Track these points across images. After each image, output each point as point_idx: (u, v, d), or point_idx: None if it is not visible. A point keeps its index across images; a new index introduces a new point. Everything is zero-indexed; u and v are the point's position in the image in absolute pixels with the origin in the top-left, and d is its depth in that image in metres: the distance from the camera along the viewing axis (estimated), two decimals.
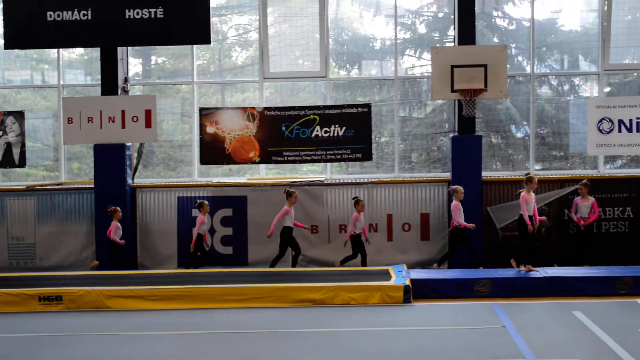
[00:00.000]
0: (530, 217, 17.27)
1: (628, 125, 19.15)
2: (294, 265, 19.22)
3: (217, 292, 16.40)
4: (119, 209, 19.33)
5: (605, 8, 20.07)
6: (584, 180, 18.67)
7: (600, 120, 19.19)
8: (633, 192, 19.46)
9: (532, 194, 17.39)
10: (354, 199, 19.16)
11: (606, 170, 20.46)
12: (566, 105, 20.98)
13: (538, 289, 16.88)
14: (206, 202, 19.52)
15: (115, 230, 19.15)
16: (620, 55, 20.40)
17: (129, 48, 20.71)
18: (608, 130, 19.17)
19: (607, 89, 20.85)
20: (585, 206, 18.47)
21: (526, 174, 17.67)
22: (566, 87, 21.16)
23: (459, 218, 18.46)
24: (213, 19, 20.97)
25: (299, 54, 20.76)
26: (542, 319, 14.87)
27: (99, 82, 20.34)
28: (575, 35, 21.29)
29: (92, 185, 20.29)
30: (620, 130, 19.16)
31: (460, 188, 18.67)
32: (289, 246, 19.05)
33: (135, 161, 20.65)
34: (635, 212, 19.65)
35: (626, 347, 12.50)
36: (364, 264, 18.88)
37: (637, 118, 19.16)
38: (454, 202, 18.57)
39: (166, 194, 20.50)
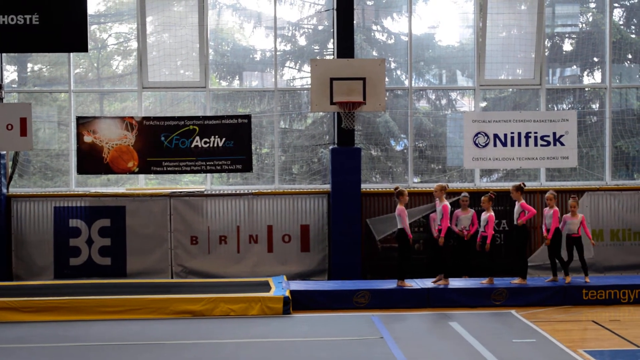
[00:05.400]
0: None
1: (503, 139, 19.55)
2: None
3: (94, 304, 16.22)
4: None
5: (481, 24, 20.47)
6: (465, 192, 18.95)
7: (476, 135, 19.55)
8: (508, 205, 19.81)
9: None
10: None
11: (482, 184, 20.83)
12: (444, 119, 21.30)
13: (416, 300, 17.16)
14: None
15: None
16: (495, 71, 20.78)
17: (4, 55, 20.24)
18: (484, 144, 19.54)
19: (483, 104, 21.24)
20: (466, 218, 18.72)
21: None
22: (444, 102, 21.50)
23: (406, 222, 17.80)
24: (92, 27, 20.72)
25: (180, 63, 20.61)
26: (420, 330, 15.12)
27: None
28: (452, 51, 21.67)
29: None
30: (495, 145, 19.55)
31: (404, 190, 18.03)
32: None
33: (10, 170, 20.20)
34: (510, 225, 20.04)
35: (501, 358, 12.79)
36: None
37: (512, 133, 19.56)
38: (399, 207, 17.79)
39: (42, 204, 20.07)
